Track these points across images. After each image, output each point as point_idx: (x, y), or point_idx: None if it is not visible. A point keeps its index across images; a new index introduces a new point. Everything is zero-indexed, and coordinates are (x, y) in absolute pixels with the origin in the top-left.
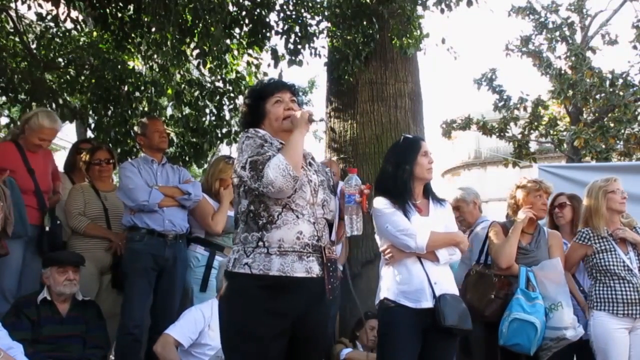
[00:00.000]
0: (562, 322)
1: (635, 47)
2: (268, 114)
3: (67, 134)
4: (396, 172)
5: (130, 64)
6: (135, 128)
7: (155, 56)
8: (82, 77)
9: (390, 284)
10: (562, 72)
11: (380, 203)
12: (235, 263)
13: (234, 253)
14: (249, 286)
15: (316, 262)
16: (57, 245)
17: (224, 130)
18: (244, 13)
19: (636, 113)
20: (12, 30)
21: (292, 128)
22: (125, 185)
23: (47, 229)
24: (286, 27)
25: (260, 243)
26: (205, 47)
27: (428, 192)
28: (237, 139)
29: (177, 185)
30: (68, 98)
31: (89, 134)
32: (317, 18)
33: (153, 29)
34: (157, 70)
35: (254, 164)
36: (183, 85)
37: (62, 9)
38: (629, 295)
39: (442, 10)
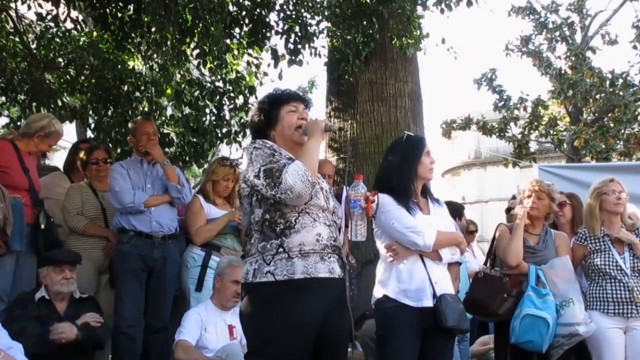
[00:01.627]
0: (575, 318)
1: (635, 47)
2: (281, 120)
3: (67, 134)
4: (400, 170)
5: (130, 64)
6: (130, 125)
7: (155, 56)
8: (82, 77)
9: (390, 282)
10: (562, 72)
11: (384, 200)
12: (255, 273)
13: (251, 264)
14: (273, 294)
15: (337, 263)
16: (53, 243)
17: (224, 130)
18: (244, 13)
19: (636, 113)
20: (12, 30)
21: (306, 136)
22: (112, 187)
23: (42, 226)
24: (286, 27)
25: (281, 249)
26: (205, 47)
27: (426, 192)
28: (237, 139)
29: (169, 185)
30: (68, 98)
31: (89, 134)
32: (317, 18)
33: (153, 29)
34: (157, 70)
35: (268, 171)
36: (183, 85)
37: (62, 9)
38: (620, 295)
39: (442, 11)
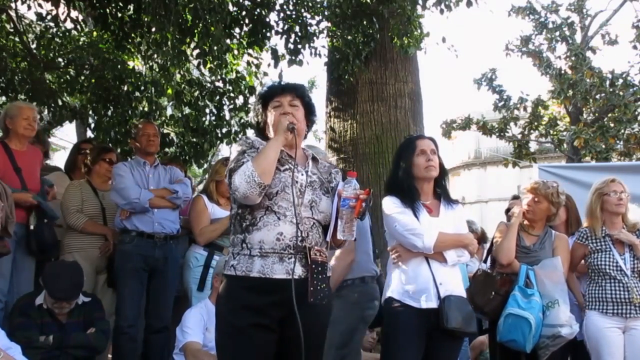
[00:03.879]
0: (558, 320)
1: (635, 47)
2: (267, 119)
3: (67, 134)
4: (397, 173)
5: (130, 64)
6: (132, 130)
7: (155, 56)
8: (82, 77)
9: (396, 283)
10: (562, 72)
11: (390, 202)
12: (225, 265)
13: (226, 256)
14: (234, 287)
15: (299, 264)
16: (44, 244)
17: (224, 130)
18: (244, 13)
19: (636, 113)
20: (12, 30)
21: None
22: (117, 184)
23: (31, 227)
24: (286, 27)
25: (244, 245)
26: (205, 47)
27: (440, 193)
28: (237, 139)
29: (166, 186)
30: (68, 98)
31: (89, 134)
32: (317, 18)
33: (153, 29)
34: (157, 70)
35: (230, 172)
36: (183, 85)
37: (62, 9)
38: (619, 295)
39: (441, 11)
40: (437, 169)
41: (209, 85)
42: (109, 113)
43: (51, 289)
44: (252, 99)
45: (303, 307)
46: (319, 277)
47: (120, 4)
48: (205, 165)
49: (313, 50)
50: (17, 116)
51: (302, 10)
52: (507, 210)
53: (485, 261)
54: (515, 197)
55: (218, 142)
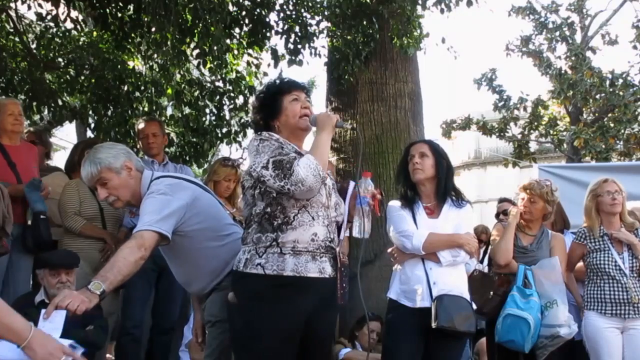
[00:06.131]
0: (557, 320)
1: (635, 47)
2: (285, 110)
3: (67, 134)
4: (399, 179)
5: (130, 64)
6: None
7: (155, 56)
8: (82, 77)
9: (394, 283)
10: (562, 72)
11: (391, 206)
12: (247, 263)
13: (244, 253)
14: (262, 287)
15: (328, 263)
16: (42, 241)
17: (224, 130)
18: (244, 13)
19: (636, 113)
20: (12, 30)
21: (313, 126)
22: None
23: (28, 222)
24: (286, 27)
25: (274, 243)
26: (205, 47)
27: (446, 194)
28: (237, 139)
29: None
30: (68, 98)
31: (89, 134)
32: (317, 18)
33: (153, 29)
34: (157, 70)
35: (278, 163)
36: (183, 85)
37: (62, 9)
38: (618, 295)
39: (441, 11)
40: (424, 171)
41: (209, 85)
42: (109, 113)
43: (48, 260)
44: (252, 99)
45: (330, 307)
46: (345, 279)
47: (120, 4)
48: (205, 165)
49: (313, 50)
50: (2, 113)
51: (302, 10)
52: (497, 215)
53: (482, 261)
54: (503, 200)
55: (218, 142)
